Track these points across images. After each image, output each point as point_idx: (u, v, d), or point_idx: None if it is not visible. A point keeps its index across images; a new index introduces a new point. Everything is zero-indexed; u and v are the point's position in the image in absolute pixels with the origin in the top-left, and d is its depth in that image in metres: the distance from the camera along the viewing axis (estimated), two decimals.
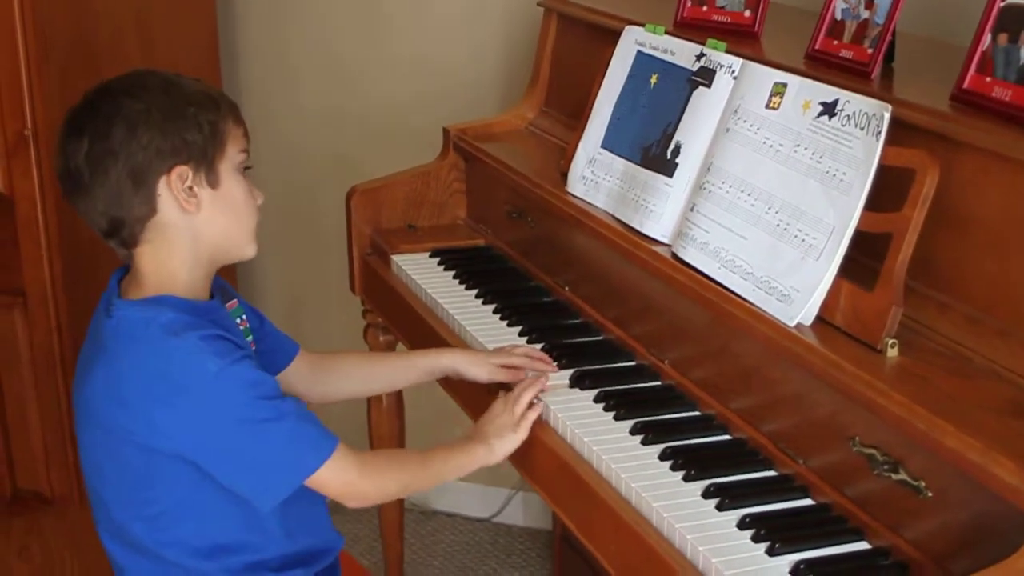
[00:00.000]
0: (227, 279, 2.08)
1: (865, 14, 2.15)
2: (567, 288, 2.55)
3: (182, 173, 1.85)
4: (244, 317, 2.07)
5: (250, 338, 2.06)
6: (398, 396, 2.95)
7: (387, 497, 2.08)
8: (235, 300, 2.07)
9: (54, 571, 3.16)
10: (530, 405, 2.11)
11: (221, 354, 1.82)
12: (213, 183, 1.88)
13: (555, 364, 2.26)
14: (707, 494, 1.86)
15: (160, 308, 1.86)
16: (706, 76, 2.24)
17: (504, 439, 2.07)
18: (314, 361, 2.24)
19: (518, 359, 2.24)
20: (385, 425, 2.97)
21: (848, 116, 1.92)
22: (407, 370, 2.35)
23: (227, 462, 1.83)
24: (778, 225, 1.98)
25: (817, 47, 2.24)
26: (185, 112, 1.86)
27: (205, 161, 1.87)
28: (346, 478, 1.89)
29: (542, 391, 2.15)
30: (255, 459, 1.83)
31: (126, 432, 1.83)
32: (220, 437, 1.81)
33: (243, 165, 1.94)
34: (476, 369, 2.25)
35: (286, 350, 2.21)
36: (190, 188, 1.86)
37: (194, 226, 1.88)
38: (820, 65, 2.19)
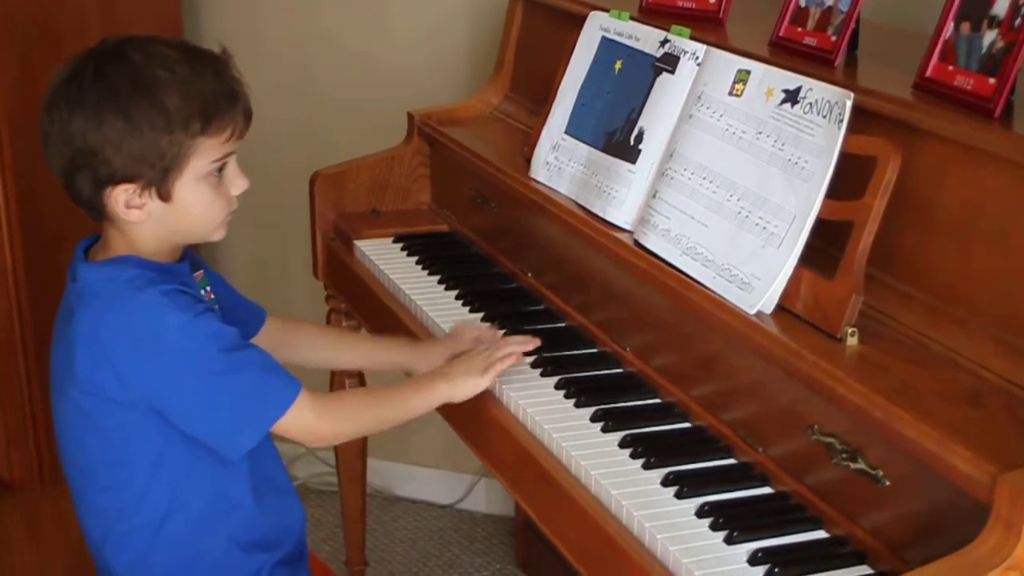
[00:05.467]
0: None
1: (829, 1, 2.15)
2: (530, 274, 2.54)
3: (127, 189, 1.84)
4: (208, 289, 2.06)
5: (216, 307, 2.05)
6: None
7: (347, 437, 2.11)
8: (201, 271, 2.06)
9: (12, 555, 3.13)
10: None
11: (183, 308, 1.83)
12: (165, 197, 1.85)
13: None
14: (666, 482, 1.86)
15: (123, 266, 1.87)
16: (670, 62, 2.23)
17: (468, 380, 2.07)
18: (281, 328, 2.24)
19: (467, 344, 2.24)
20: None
21: (811, 104, 1.92)
22: (368, 360, 2.36)
23: (194, 413, 1.85)
24: (739, 212, 1.98)
25: (781, 34, 2.23)
26: (145, 131, 1.81)
27: (156, 182, 1.84)
28: (305, 424, 1.91)
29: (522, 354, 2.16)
30: (220, 410, 1.85)
31: (96, 388, 1.84)
32: (186, 390, 1.83)
33: (219, 165, 1.89)
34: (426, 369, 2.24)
35: (256, 317, 2.22)
36: (138, 197, 1.85)
37: (149, 219, 1.88)
38: (784, 52, 2.19)
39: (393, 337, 2.42)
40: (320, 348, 2.30)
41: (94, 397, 1.86)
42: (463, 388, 2.07)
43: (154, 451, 1.88)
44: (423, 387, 2.08)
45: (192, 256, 2.04)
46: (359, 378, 2.90)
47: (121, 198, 1.84)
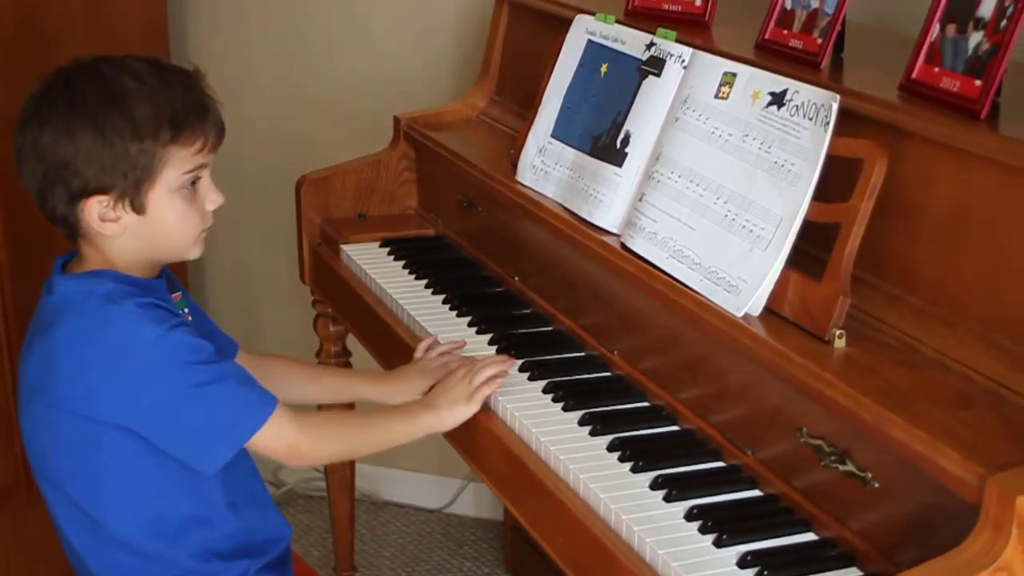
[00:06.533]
0: (176, 264, 2.06)
1: (815, 3, 2.15)
2: (517, 278, 2.54)
3: (101, 201, 1.84)
4: (187, 311, 2.05)
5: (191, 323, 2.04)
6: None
7: (329, 458, 2.12)
8: (179, 293, 2.05)
9: None
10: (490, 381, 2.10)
11: (158, 321, 1.82)
12: (139, 210, 1.85)
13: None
14: (655, 485, 1.85)
15: (99, 279, 1.87)
16: (656, 65, 2.23)
17: (455, 409, 2.06)
18: (254, 362, 2.19)
19: (439, 370, 2.22)
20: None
21: (797, 106, 1.92)
22: (341, 393, 2.36)
23: (167, 428, 1.83)
24: (726, 215, 1.97)
25: (767, 36, 2.23)
26: (115, 141, 1.81)
27: (129, 193, 1.84)
28: (285, 439, 1.90)
29: (504, 373, 2.13)
30: (195, 424, 1.83)
31: (66, 403, 1.84)
32: (159, 403, 1.82)
33: (191, 179, 1.89)
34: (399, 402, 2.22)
35: (229, 350, 2.18)
36: (112, 210, 1.85)
37: (125, 234, 1.87)
38: (770, 55, 2.19)
39: (365, 371, 2.43)
40: (294, 382, 2.28)
41: (63, 411, 1.84)
42: (450, 417, 2.07)
43: (122, 466, 1.87)
44: (409, 415, 2.08)
45: (170, 277, 2.03)
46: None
47: (95, 211, 1.84)
